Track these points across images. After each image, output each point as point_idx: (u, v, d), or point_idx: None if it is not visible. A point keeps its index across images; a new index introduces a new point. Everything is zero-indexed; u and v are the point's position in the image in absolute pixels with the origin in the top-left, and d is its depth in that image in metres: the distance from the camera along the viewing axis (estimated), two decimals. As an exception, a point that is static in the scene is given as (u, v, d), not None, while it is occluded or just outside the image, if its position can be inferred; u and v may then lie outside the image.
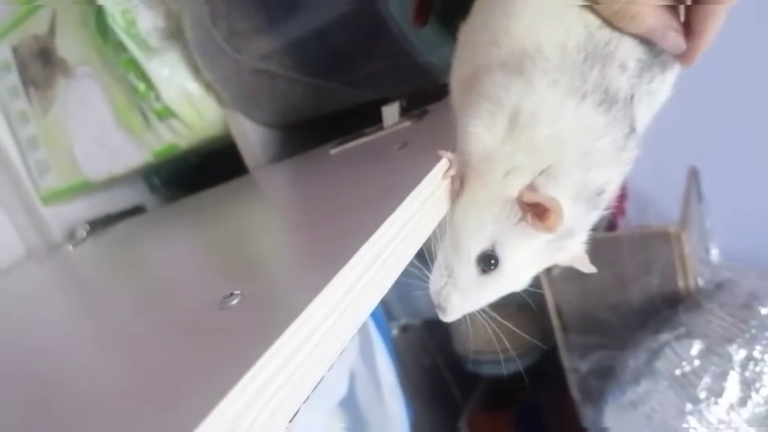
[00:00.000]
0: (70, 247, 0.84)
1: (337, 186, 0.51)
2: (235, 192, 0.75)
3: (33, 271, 0.84)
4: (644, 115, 0.37)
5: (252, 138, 0.80)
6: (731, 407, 0.75)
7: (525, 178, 0.35)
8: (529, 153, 0.35)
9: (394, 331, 1.08)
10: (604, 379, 0.90)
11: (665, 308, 0.87)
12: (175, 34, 0.77)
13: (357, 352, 0.80)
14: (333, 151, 0.64)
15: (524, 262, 0.37)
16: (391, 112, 0.61)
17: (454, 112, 0.40)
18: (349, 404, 0.79)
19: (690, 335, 0.80)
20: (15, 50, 0.88)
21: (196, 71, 0.77)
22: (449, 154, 0.38)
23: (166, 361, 0.29)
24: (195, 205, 0.80)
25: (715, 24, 0.33)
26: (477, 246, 0.36)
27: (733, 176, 1.06)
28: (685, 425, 0.76)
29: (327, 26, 0.63)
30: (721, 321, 0.80)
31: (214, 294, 0.32)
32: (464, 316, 0.39)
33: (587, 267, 0.40)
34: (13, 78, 0.89)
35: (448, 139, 0.39)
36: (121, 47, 0.76)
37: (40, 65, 0.86)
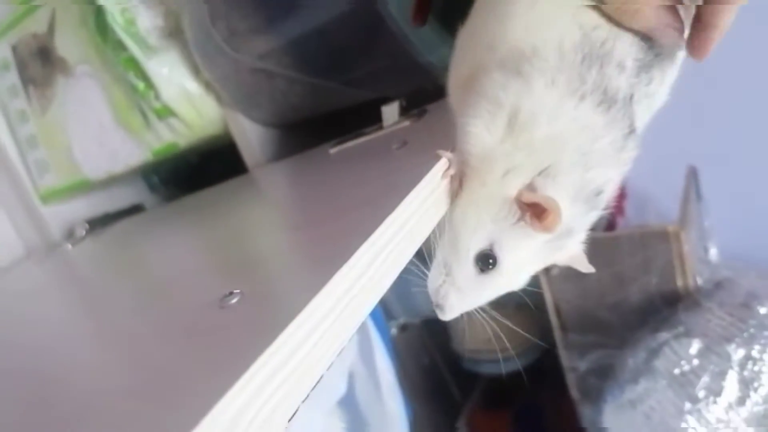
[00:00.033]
0: (69, 246, 0.84)
1: (336, 185, 0.51)
2: (235, 191, 0.75)
3: (32, 270, 0.83)
4: (643, 116, 0.37)
5: (251, 137, 0.80)
6: (730, 406, 0.75)
7: (524, 177, 0.35)
8: (528, 153, 0.35)
9: (393, 330, 1.08)
10: (603, 378, 0.90)
11: (664, 307, 0.87)
12: (174, 33, 0.77)
13: (356, 351, 0.80)
14: (332, 151, 0.64)
15: (522, 262, 0.37)
16: (390, 112, 0.61)
17: (452, 113, 0.40)
18: (348, 403, 0.79)
19: (689, 334, 0.80)
20: (14, 49, 0.88)
21: (195, 70, 0.77)
22: (448, 154, 0.38)
23: (165, 360, 0.29)
24: (194, 204, 0.80)
25: (727, 17, 0.33)
26: (475, 245, 0.36)
27: (732, 175, 1.06)
28: (683, 424, 0.76)
29: (326, 25, 0.63)
30: (720, 320, 0.80)
31: (213, 293, 0.32)
32: (463, 315, 0.39)
33: (585, 267, 0.40)
34: (13, 77, 0.89)
35: (448, 138, 0.39)
36: (120, 46, 0.76)
37: (40, 64, 0.86)
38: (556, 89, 0.34)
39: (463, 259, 0.37)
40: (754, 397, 0.75)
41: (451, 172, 0.38)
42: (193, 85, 0.78)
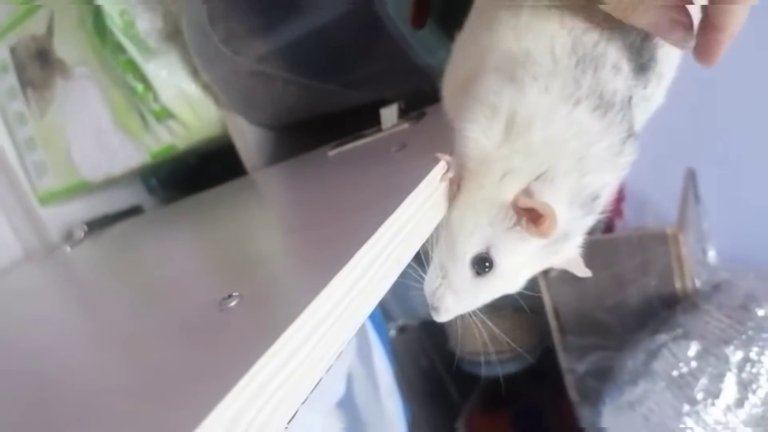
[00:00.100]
0: (68, 248, 0.84)
1: (335, 188, 0.51)
2: (234, 193, 0.75)
3: (30, 272, 0.83)
4: (640, 119, 0.37)
5: (250, 139, 0.80)
6: (728, 408, 0.76)
7: (521, 181, 0.35)
8: (525, 157, 0.35)
9: (392, 332, 1.08)
10: (601, 380, 0.90)
11: (662, 309, 0.87)
12: (173, 35, 0.77)
13: (355, 353, 0.81)
14: (331, 153, 0.64)
15: (519, 265, 0.37)
16: (389, 114, 0.61)
17: (447, 116, 0.41)
18: (347, 405, 0.79)
19: (687, 336, 0.80)
20: (13, 51, 0.88)
21: (194, 72, 0.77)
22: (447, 157, 0.38)
23: (164, 361, 0.29)
24: (193, 206, 0.80)
25: (737, 17, 0.31)
26: (472, 248, 0.37)
27: (730, 177, 1.07)
28: (682, 426, 0.77)
29: (325, 28, 0.63)
30: (718, 322, 0.80)
31: (212, 295, 0.32)
32: (461, 317, 0.39)
33: (582, 270, 0.40)
34: (11, 79, 0.89)
35: (446, 141, 0.39)
36: (119, 48, 0.76)
37: (38, 66, 0.86)
38: (549, 95, 0.34)
39: (460, 262, 0.37)
40: (753, 399, 0.75)
41: (450, 175, 0.38)
42: (191, 87, 0.78)
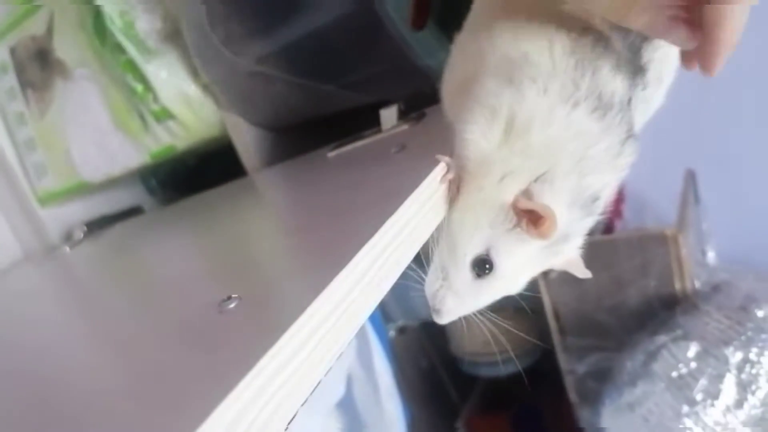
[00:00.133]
0: (67, 249, 0.84)
1: (335, 189, 0.51)
2: (233, 194, 0.75)
3: (30, 273, 0.83)
4: (639, 120, 0.37)
5: (249, 140, 0.80)
6: (727, 409, 0.76)
7: (520, 183, 0.35)
8: (524, 158, 0.35)
9: (392, 333, 1.08)
10: (601, 381, 0.90)
11: (662, 310, 0.88)
12: (173, 36, 0.77)
13: (354, 354, 0.81)
14: (331, 154, 0.64)
15: (519, 267, 0.37)
16: (389, 115, 0.61)
17: (446, 117, 0.41)
18: (347, 406, 0.79)
19: (687, 337, 0.80)
20: (13, 51, 0.88)
21: (194, 73, 0.77)
22: (447, 158, 0.38)
23: (164, 363, 0.29)
24: (193, 207, 0.80)
25: (733, 25, 0.29)
26: (472, 250, 0.37)
27: (730, 178, 1.07)
28: (681, 427, 0.77)
29: (324, 29, 0.63)
30: (718, 323, 0.80)
31: (212, 297, 0.32)
32: (461, 318, 0.39)
33: (582, 272, 0.40)
34: (11, 79, 0.89)
35: (446, 142, 0.39)
36: (119, 49, 0.76)
37: (38, 67, 0.86)
38: (547, 97, 0.34)
39: (460, 263, 0.37)
40: (752, 399, 0.75)
41: (450, 176, 0.38)
42: (191, 88, 0.78)
